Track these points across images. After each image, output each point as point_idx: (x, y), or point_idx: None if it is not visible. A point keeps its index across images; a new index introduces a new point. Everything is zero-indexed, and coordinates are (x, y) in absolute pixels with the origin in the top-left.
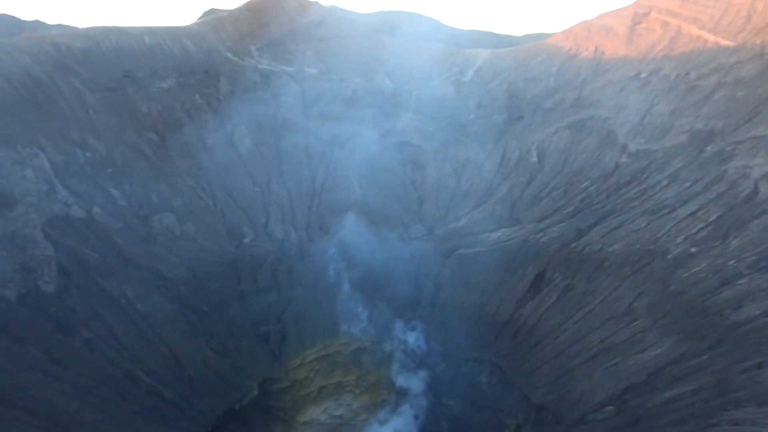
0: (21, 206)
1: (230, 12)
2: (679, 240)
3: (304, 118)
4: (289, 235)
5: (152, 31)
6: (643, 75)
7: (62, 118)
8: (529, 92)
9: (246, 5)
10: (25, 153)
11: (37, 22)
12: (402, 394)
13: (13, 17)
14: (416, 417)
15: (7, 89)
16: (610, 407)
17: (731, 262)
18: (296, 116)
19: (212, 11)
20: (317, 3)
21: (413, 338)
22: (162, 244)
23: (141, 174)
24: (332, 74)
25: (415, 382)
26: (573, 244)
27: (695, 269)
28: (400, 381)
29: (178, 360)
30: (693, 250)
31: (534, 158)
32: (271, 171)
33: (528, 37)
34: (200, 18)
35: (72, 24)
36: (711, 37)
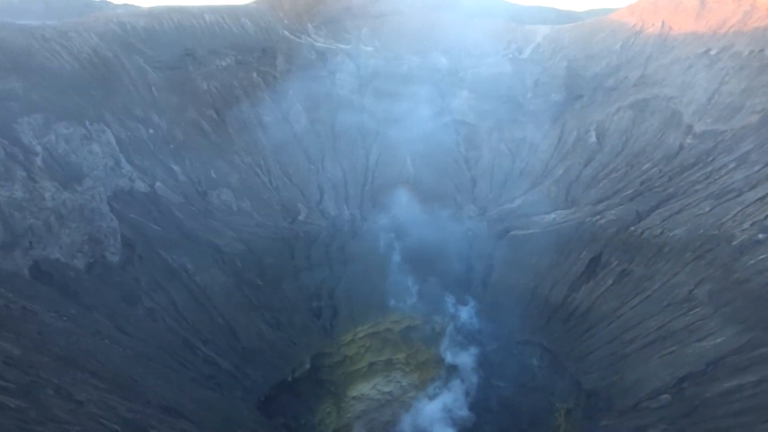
0: (89, 180)
1: None
2: (745, 226)
3: (359, 95)
4: (342, 213)
5: (212, 10)
6: (713, 52)
7: (127, 95)
8: (590, 70)
9: None
10: (92, 129)
11: (104, 1)
12: (452, 370)
13: None
14: (467, 394)
15: (76, 67)
16: (665, 395)
17: None
18: (351, 94)
19: None
20: None
21: (465, 313)
22: (219, 219)
23: (200, 150)
24: (388, 51)
25: (465, 359)
26: (631, 228)
27: (762, 256)
28: (451, 357)
29: (233, 331)
30: (760, 236)
31: (593, 138)
32: (325, 148)
33: (591, 13)
34: None
35: (137, 3)
36: None
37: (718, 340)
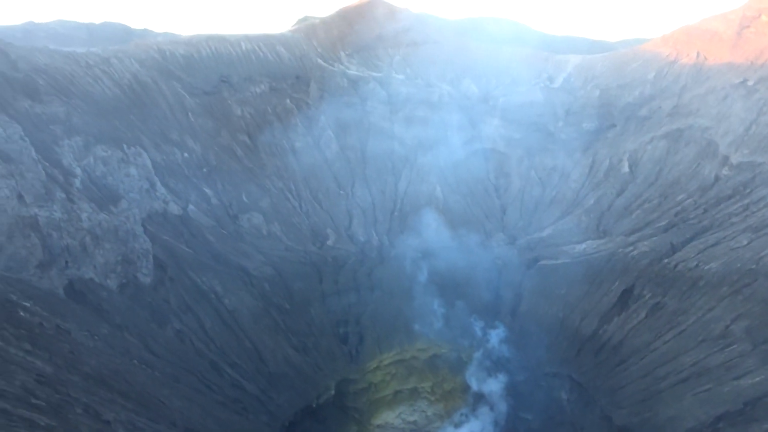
0: (125, 202)
1: (322, 19)
2: None
3: (389, 122)
4: (371, 239)
5: (249, 38)
6: (750, 82)
7: (164, 120)
8: (622, 99)
9: (338, 12)
10: (129, 152)
11: (145, 30)
12: (479, 398)
13: (125, 26)
14: (495, 423)
15: (116, 92)
16: None
17: None
18: (382, 121)
19: (306, 18)
20: (407, 9)
21: (494, 338)
22: (249, 242)
23: (232, 174)
24: (419, 79)
25: (493, 386)
26: (665, 260)
27: None
28: (478, 384)
29: (260, 355)
30: None
31: (626, 168)
32: (355, 174)
33: (624, 43)
34: (294, 25)
35: (177, 31)
36: None
37: (757, 378)
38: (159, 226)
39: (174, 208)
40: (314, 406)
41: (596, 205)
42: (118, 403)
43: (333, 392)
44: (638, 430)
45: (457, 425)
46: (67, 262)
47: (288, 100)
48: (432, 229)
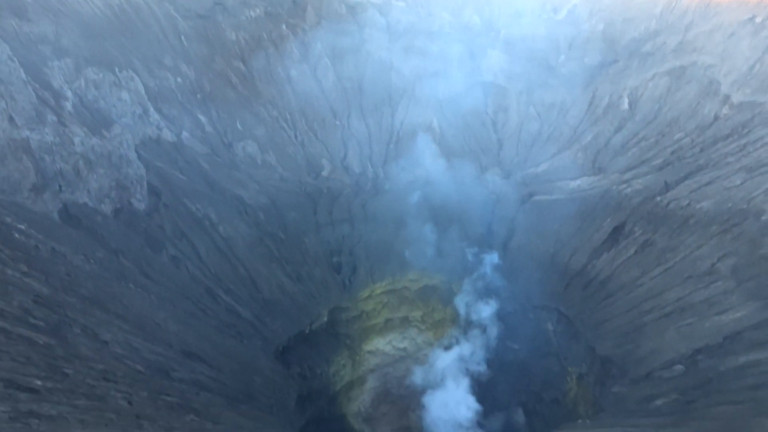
0: (117, 127)
1: None
2: None
3: (388, 52)
4: (366, 170)
5: None
6: (759, 19)
7: (156, 44)
8: (627, 34)
9: None
10: (121, 76)
11: None
12: (469, 325)
13: None
14: (486, 348)
15: (107, 14)
16: (679, 366)
17: None
18: (380, 50)
19: None
20: None
21: (487, 265)
22: (244, 171)
23: (227, 101)
24: (420, 8)
25: (483, 312)
26: (658, 198)
27: None
28: (468, 311)
29: (254, 282)
30: None
31: (625, 105)
32: (351, 105)
33: None
34: None
35: None
36: None
37: (738, 314)
38: (153, 152)
39: (168, 135)
40: (307, 332)
41: (593, 141)
42: (115, 325)
43: (326, 319)
44: (620, 360)
45: (446, 348)
46: (60, 186)
47: (284, 26)
48: (427, 162)
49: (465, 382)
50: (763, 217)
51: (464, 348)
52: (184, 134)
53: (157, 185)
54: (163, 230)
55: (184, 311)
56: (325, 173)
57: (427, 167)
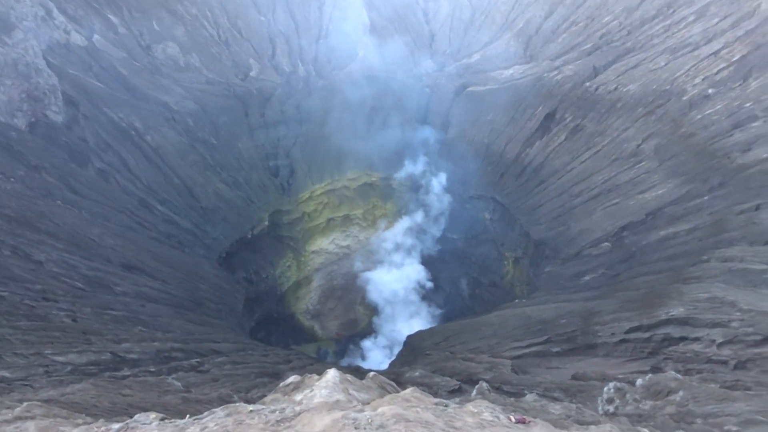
0: (19, 32)
1: None
2: (697, 80)
3: None
4: (297, 69)
5: None
6: None
7: None
8: None
9: None
10: None
11: None
12: (408, 216)
13: None
14: (425, 239)
15: None
16: (605, 243)
17: (748, 105)
18: None
19: None
20: None
21: (421, 163)
22: (167, 75)
23: (140, 0)
24: None
25: (423, 203)
26: (587, 84)
27: (709, 111)
28: (407, 205)
29: (190, 191)
30: (710, 91)
31: None
32: None
33: None
34: None
35: None
36: None
37: (660, 191)
38: (63, 58)
39: (77, 39)
40: (249, 237)
41: (525, 28)
42: (47, 244)
43: (267, 223)
44: (552, 242)
45: (388, 239)
46: None
47: None
48: (359, 58)
49: (414, 263)
50: (685, 97)
51: (405, 239)
52: (96, 37)
53: (72, 95)
54: (86, 143)
55: (120, 225)
56: (253, 74)
57: (358, 63)
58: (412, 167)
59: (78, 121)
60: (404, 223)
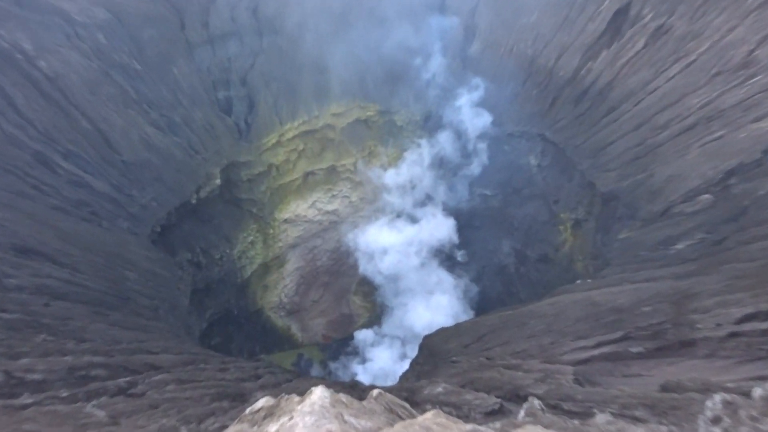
0: None
1: None
2: None
3: None
4: None
5: None
6: None
7: None
8: None
9: None
10: None
11: None
12: (422, 167)
13: None
14: (447, 199)
15: None
16: (706, 196)
17: None
18: None
19: None
20: None
21: (439, 79)
22: None
23: None
24: None
25: (442, 147)
26: None
27: None
28: (420, 149)
29: (106, 138)
30: None
31: None
32: None
33: None
34: None
35: None
36: None
37: None
38: None
39: None
40: (194, 202)
41: None
42: None
43: (218, 182)
44: (628, 196)
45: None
46: None
47: None
48: None
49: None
50: None
51: (422, 178)
52: None
53: None
54: None
55: (6, 190)
56: None
57: None
58: (426, 94)
59: None
60: (418, 155)
